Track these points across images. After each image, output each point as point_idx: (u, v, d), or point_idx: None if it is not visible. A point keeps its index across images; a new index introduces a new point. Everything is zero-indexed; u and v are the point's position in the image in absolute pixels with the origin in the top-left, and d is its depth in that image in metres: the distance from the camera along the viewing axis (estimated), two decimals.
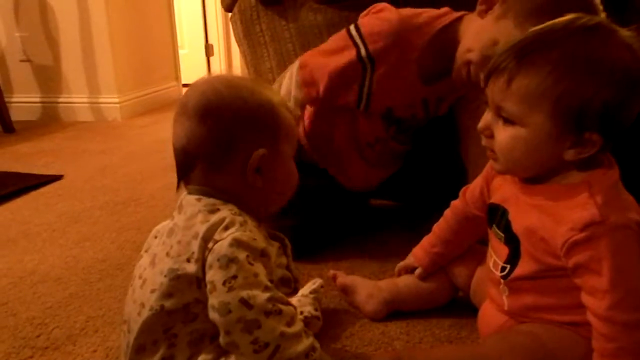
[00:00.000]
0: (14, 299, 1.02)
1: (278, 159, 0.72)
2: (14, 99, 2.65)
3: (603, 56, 0.64)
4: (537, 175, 0.71)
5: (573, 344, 0.69)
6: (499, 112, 0.68)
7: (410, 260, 0.94)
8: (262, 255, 0.65)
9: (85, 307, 0.98)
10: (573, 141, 0.66)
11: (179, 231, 0.67)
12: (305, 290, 0.91)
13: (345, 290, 0.94)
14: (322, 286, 0.92)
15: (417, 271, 0.92)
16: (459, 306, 0.91)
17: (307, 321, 0.84)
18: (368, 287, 0.93)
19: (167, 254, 0.67)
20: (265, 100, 0.71)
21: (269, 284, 0.64)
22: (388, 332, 0.87)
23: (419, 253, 0.92)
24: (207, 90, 0.70)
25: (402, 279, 0.94)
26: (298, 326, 0.65)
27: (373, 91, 1.06)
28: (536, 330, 0.71)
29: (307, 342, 0.65)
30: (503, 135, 0.68)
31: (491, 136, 0.70)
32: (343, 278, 0.95)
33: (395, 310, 0.91)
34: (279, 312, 0.63)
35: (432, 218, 0.95)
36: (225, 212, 0.66)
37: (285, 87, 1.15)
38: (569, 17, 0.67)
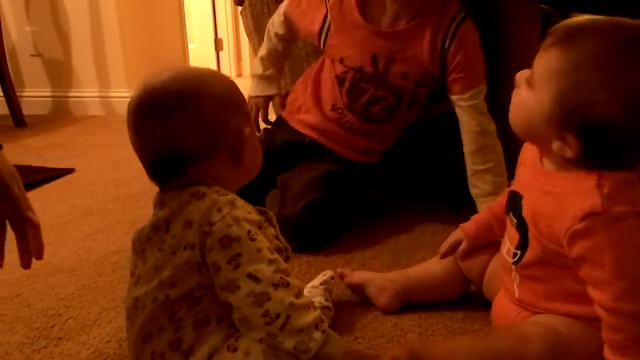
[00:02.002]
0: (28, 290, 1.03)
1: (252, 133, 0.73)
2: (25, 93, 2.66)
3: (628, 75, 0.62)
4: (537, 144, 0.72)
5: (587, 335, 0.69)
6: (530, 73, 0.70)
7: (458, 234, 0.90)
8: (259, 227, 0.66)
9: (98, 298, 0.99)
10: (559, 134, 0.66)
11: (172, 225, 0.66)
12: (315, 281, 0.91)
13: (355, 288, 0.94)
14: (332, 277, 0.92)
15: (462, 245, 0.89)
16: (472, 299, 0.91)
17: None
18: (379, 280, 0.92)
19: (159, 249, 0.67)
20: (228, 79, 0.73)
21: (272, 257, 0.64)
22: (401, 324, 0.87)
23: (468, 224, 0.90)
24: (173, 83, 0.67)
25: (413, 270, 0.94)
26: (306, 299, 0.66)
27: (330, 23, 1.18)
28: (551, 320, 0.71)
29: (315, 313, 0.65)
30: (520, 94, 0.70)
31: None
32: (351, 276, 0.95)
33: (408, 303, 0.91)
34: (287, 284, 0.63)
35: (445, 213, 0.95)
36: (213, 195, 0.66)
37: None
38: (627, 20, 0.65)
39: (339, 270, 0.97)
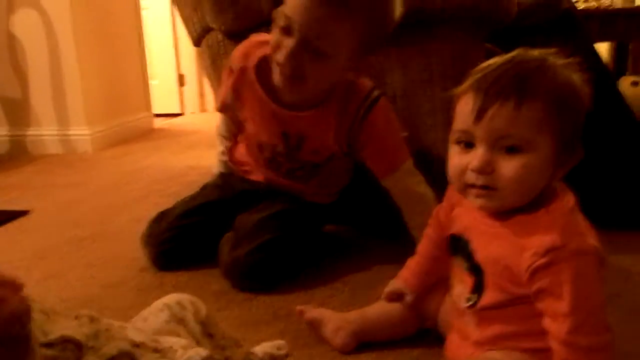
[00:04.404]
0: None
1: None
2: None
3: (571, 80, 0.69)
4: (528, 202, 0.70)
5: None
6: (501, 143, 0.68)
7: (397, 285, 0.92)
8: None
9: None
10: (566, 158, 0.69)
11: None
12: (266, 349, 0.81)
13: (313, 325, 0.94)
14: (287, 355, 0.82)
15: (407, 299, 0.90)
16: (427, 336, 0.91)
17: None
18: (336, 320, 0.92)
19: None
20: None
21: None
22: None
23: (407, 276, 0.91)
24: None
25: (370, 310, 0.94)
26: None
27: (235, 94, 1.16)
28: (497, 357, 0.71)
29: None
30: (511, 166, 0.67)
31: (491, 172, 0.68)
32: (310, 313, 0.94)
33: (365, 342, 0.91)
34: None
35: (403, 250, 0.96)
36: None
37: None
38: (521, 52, 0.70)
39: (298, 307, 0.97)
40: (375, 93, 1.10)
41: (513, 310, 0.71)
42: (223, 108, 1.24)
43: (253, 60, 1.11)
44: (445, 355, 0.83)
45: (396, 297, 0.92)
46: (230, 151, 1.32)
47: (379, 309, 0.93)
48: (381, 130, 1.10)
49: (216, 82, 1.50)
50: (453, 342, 0.81)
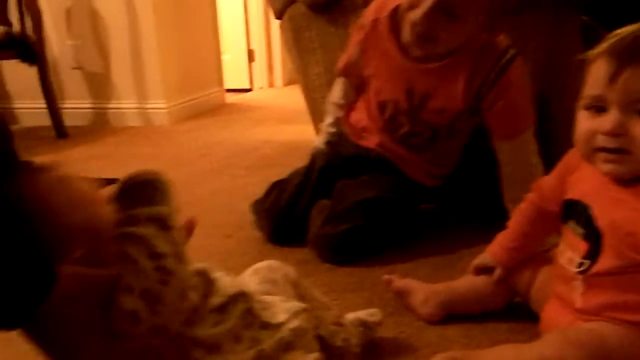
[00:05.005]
0: None
1: None
2: (66, 105, 2.75)
3: None
4: None
5: (636, 344, 0.69)
6: (635, 106, 0.67)
7: (486, 259, 0.92)
8: None
9: None
10: None
11: None
12: (359, 315, 0.84)
13: (401, 294, 0.95)
14: (378, 323, 0.85)
15: (496, 273, 0.89)
16: (516, 311, 0.91)
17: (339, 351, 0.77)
18: (424, 290, 0.93)
19: None
20: None
21: None
22: (446, 334, 0.88)
23: (497, 250, 0.90)
24: None
25: (458, 282, 0.94)
26: None
27: (362, 49, 1.16)
28: (598, 327, 0.71)
29: None
30: None
31: (624, 135, 0.68)
32: (398, 282, 0.96)
33: (451, 314, 0.91)
34: None
35: (484, 223, 0.95)
36: None
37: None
38: None
39: (385, 276, 0.98)
40: (512, 51, 1.07)
41: (628, 278, 0.70)
42: (345, 70, 1.24)
43: (386, 11, 1.10)
44: (540, 326, 0.82)
45: (484, 270, 0.92)
46: (345, 116, 1.28)
47: (468, 282, 0.93)
48: (514, 90, 1.06)
49: (297, 54, 1.52)
50: (552, 308, 0.79)
